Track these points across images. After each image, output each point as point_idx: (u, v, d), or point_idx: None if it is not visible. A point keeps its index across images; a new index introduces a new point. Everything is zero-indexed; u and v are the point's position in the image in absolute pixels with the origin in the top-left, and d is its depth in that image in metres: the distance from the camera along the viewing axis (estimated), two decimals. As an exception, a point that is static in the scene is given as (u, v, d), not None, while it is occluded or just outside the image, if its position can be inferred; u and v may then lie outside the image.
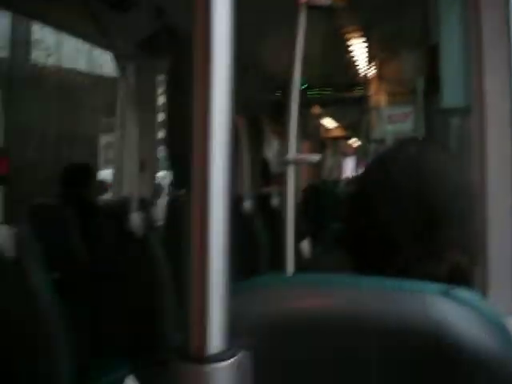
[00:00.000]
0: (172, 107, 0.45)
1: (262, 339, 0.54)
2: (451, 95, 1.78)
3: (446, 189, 0.70)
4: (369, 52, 5.12)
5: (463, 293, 0.54)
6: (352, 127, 10.59)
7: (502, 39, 1.56)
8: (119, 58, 2.74)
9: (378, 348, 0.53)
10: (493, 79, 1.58)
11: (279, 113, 5.55)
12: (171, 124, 0.45)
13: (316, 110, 6.76)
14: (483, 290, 1.50)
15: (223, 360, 0.48)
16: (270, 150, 5.44)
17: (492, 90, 1.57)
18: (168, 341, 2.69)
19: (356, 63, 5.76)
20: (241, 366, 0.50)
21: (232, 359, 0.49)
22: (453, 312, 0.52)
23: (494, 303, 0.59)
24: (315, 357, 0.54)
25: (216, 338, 0.48)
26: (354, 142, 12.62)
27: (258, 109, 4.95)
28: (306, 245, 4.32)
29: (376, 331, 0.53)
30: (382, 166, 0.73)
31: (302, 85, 1.66)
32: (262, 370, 0.54)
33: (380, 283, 0.58)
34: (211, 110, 0.47)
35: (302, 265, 1.89)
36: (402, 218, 0.68)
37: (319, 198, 7.52)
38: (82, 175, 3.31)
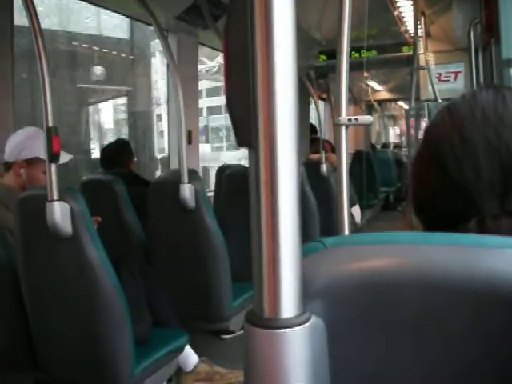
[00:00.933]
0: (232, 66, 0.43)
1: (335, 300, 0.52)
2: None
3: None
4: (416, 8, 4.92)
5: None
6: (398, 89, 10.33)
7: None
8: (161, 31, 2.72)
9: (454, 305, 0.50)
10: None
11: (323, 77, 5.47)
12: (232, 84, 0.43)
13: (362, 72, 6.60)
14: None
15: (296, 325, 0.46)
16: (317, 116, 5.35)
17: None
18: (223, 311, 2.72)
19: (403, 21, 5.57)
20: (314, 331, 0.48)
21: (305, 324, 0.47)
22: None
23: None
24: (392, 316, 0.51)
25: (289, 303, 0.46)
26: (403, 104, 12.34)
27: (302, 74, 4.86)
28: (356, 210, 4.28)
29: (453, 288, 0.49)
30: (453, 117, 0.68)
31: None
32: (334, 331, 0.51)
33: (455, 238, 0.54)
34: (275, 67, 0.44)
35: (354, 231, 1.85)
36: (478, 173, 0.64)
37: (368, 163, 7.41)
38: (118, 155, 3.34)
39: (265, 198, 0.45)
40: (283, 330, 0.45)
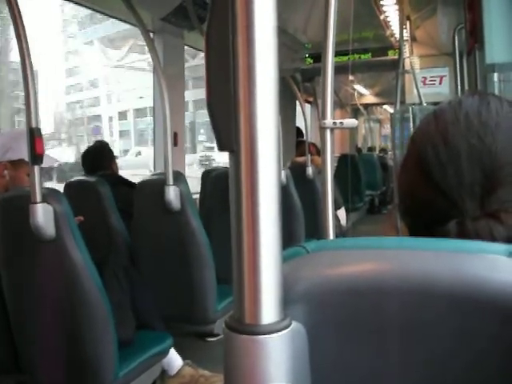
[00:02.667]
0: (212, 69, 0.43)
1: (316, 305, 0.52)
2: (496, 50, 1.70)
3: (511, 143, 0.65)
4: (401, 13, 4.95)
5: None
6: (384, 93, 10.39)
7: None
8: (147, 33, 2.71)
9: (437, 311, 0.50)
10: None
11: (310, 81, 5.49)
12: (213, 86, 0.43)
13: (348, 76, 6.63)
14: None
15: (277, 331, 0.46)
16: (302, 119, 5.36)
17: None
18: (208, 313, 2.71)
19: (389, 25, 5.61)
20: (294, 336, 0.48)
21: (286, 330, 0.46)
22: None
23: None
24: (376, 322, 0.51)
25: (269, 309, 0.45)
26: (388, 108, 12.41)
27: (288, 77, 4.87)
28: (342, 213, 4.29)
29: (436, 294, 0.50)
30: (438, 123, 0.69)
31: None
32: (315, 336, 0.51)
33: (438, 244, 0.54)
34: (256, 71, 0.44)
35: (339, 234, 1.85)
36: (460, 176, 0.64)
37: (354, 166, 7.45)
38: (99, 158, 3.31)
39: (245, 202, 0.45)
40: (263, 336, 0.45)
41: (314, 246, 0.56)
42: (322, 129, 1.51)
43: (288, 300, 0.49)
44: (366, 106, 11.69)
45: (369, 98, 11.09)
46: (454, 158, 0.66)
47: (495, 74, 2.26)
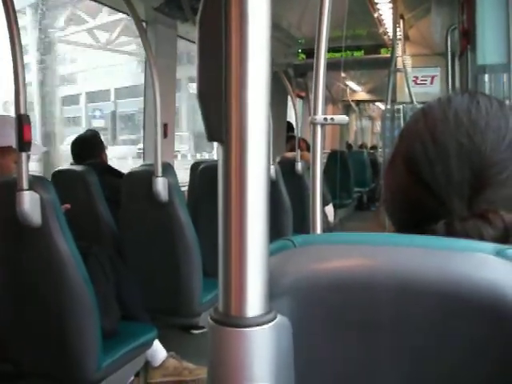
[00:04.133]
0: (204, 59, 0.42)
1: (302, 299, 0.52)
2: (488, 51, 1.70)
3: (500, 143, 0.65)
4: (395, 12, 4.96)
5: None
6: (376, 91, 10.42)
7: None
8: (139, 22, 2.69)
9: (424, 308, 0.50)
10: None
11: (302, 76, 5.50)
12: (204, 76, 0.42)
13: (340, 72, 6.64)
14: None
15: (262, 324, 0.45)
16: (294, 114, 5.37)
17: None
18: (193, 306, 2.71)
19: (382, 23, 5.61)
20: (279, 330, 0.48)
21: (271, 323, 0.46)
22: (507, 271, 0.48)
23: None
24: (362, 317, 0.51)
25: (254, 302, 0.45)
26: (380, 105, 12.44)
27: (281, 72, 4.87)
28: (330, 209, 4.30)
29: (423, 291, 0.50)
30: (427, 120, 0.68)
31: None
32: (301, 330, 0.51)
33: (426, 241, 0.54)
34: (248, 62, 0.43)
35: (326, 230, 1.86)
36: (449, 175, 0.64)
37: (344, 163, 7.46)
38: (89, 147, 3.29)
39: (233, 194, 0.44)
40: (248, 329, 0.45)
41: (301, 240, 0.56)
42: (313, 124, 1.51)
43: (274, 294, 0.49)
44: (358, 102, 11.72)
45: (361, 94, 11.11)
46: (442, 156, 0.65)
47: (486, 75, 2.28)
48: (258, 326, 0.45)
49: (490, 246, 0.51)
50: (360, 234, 0.57)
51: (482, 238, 0.61)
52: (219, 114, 0.44)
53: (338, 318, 0.52)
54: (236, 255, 0.45)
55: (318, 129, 1.53)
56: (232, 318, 0.45)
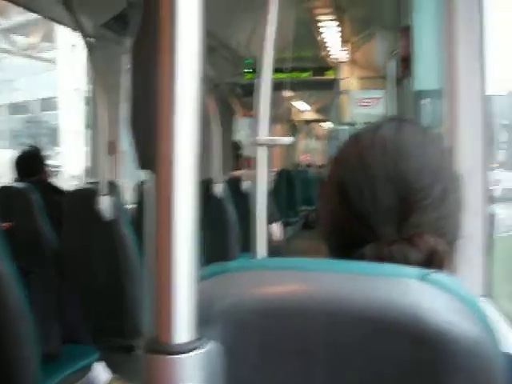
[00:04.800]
0: (136, 86, 0.43)
1: (235, 325, 0.52)
2: (423, 77, 1.77)
3: (424, 170, 0.67)
4: (341, 36, 5.10)
5: (441, 276, 0.52)
6: (324, 111, 10.61)
7: (474, 21, 1.55)
8: (87, 39, 2.66)
9: (354, 333, 0.51)
10: (465, 62, 1.57)
11: (250, 95, 5.55)
12: (135, 103, 0.42)
13: (287, 93, 6.74)
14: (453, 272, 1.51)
15: (191, 350, 0.45)
16: (242, 133, 5.40)
17: (464, 72, 1.56)
18: (137, 327, 2.67)
19: (328, 47, 5.75)
20: (210, 356, 0.48)
21: (200, 349, 0.46)
22: (431, 296, 0.50)
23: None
24: (295, 343, 0.52)
25: (183, 328, 0.45)
26: (326, 126, 12.65)
27: (229, 91, 4.90)
28: (277, 228, 4.33)
29: (352, 316, 0.51)
30: (357, 146, 0.70)
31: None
32: (234, 357, 0.51)
33: (356, 267, 0.55)
34: (177, 90, 0.44)
35: (273, 248, 1.87)
36: (376, 201, 0.66)
37: (291, 181, 7.54)
38: (33, 162, 3.22)
39: (161, 221, 0.45)
40: (176, 356, 0.45)
41: (235, 265, 0.56)
42: (256, 145, 1.53)
43: (206, 319, 0.49)
44: (307, 122, 11.89)
45: (309, 114, 11.28)
46: (370, 182, 0.66)
47: (423, 100, 2.37)
48: (185, 352, 0.45)
49: (415, 270, 0.53)
50: (293, 260, 0.57)
51: (407, 261, 0.62)
52: (150, 142, 0.44)
53: (272, 344, 0.53)
54: (163, 282, 0.45)
55: (263, 149, 1.54)
56: (160, 345, 0.45)
